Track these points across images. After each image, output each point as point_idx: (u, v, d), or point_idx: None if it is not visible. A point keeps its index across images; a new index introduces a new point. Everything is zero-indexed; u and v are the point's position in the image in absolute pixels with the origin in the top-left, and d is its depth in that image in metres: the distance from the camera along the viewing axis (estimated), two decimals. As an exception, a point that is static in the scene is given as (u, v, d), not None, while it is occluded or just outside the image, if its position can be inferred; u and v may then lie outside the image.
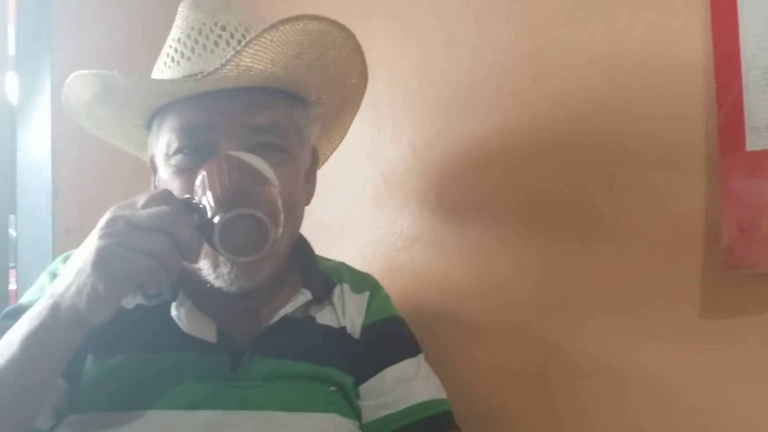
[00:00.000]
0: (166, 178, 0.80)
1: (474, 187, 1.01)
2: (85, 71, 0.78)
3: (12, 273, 1.61)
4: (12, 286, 1.60)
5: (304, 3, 1.27)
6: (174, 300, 0.82)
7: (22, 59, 1.50)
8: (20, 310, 0.81)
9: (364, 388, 0.90)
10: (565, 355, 0.90)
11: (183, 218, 0.66)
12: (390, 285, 1.04)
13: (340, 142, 1.05)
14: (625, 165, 0.84)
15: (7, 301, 1.59)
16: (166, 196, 0.68)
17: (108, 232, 0.63)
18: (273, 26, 0.72)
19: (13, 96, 1.57)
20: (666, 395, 0.80)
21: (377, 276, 1.04)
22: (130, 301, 0.82)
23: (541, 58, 0.92)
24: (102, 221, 0.66)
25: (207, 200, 0.68)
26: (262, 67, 0.75)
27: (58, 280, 0.68)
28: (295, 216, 0.85)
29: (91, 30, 1.41)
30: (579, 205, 0.88)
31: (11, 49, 1.61)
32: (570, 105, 0.89)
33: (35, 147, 1.40)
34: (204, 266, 0.79)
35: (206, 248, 0.76)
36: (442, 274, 1.06)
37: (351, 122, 1.01)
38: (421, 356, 0.95)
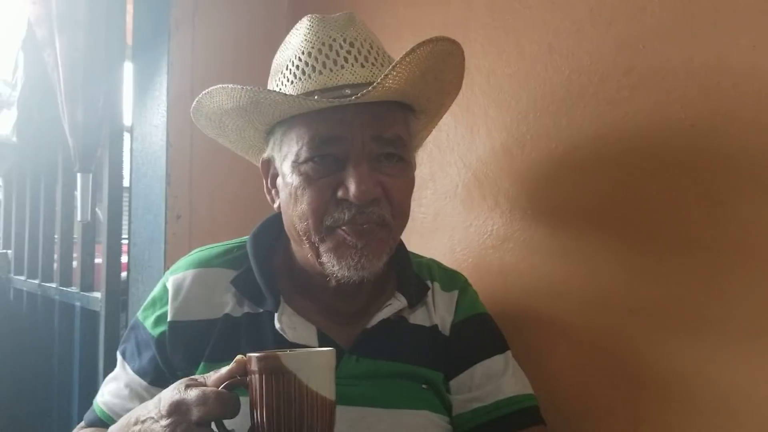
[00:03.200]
0: (296, 184, 0.85)
1: (566, 191, 1.04)
2: (239, 86, 0.83)
3: (98, 248, 1.75)
4: (98, 260, 1.74)
5: (406, 12, 1.34)
6: (276, 310, 0.90)
7: (139, 50, 1.61)
8: (139, 330, 0.96)
9: (455, 383, 0.95)
10: (651, 359, 0.92)
11: None
12: (479, 282, 1.09)
13: (422, 142, 1.09)
14: (720, 178, 0.85)
15: (119, 277, 1.72)
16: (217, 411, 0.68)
17: None
18: (412, 50, 0.78)
19: (129, 86, 1.69)
20: (753, 403, 0.81)
21: (466, 273, 1.09)
22: (238, 310, 0.92)
23: (639, 70, 0.94)
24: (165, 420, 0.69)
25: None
26: (396, 87, 0.81)
27: None
28: (406, 219, 0.92)
29: (205, 24, 1.51)
30: (671, 214, 0.90)
31: (129, 40, 1.73)
32: (667, 117, 0.90)
33: (151, 137, 1.51)
34: (326, 260, 0.85)
35: (332, 243, 0.84)
36: (530, 273, 1.10)
37: (435, 126, 1.06)
38: (508, 353, 1.00)
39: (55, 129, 1.85)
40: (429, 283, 1.00)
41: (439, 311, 0.98)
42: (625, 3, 0.96)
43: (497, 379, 0.95)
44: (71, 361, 2.24)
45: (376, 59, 0.87)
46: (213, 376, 0.71)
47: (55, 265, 2.30)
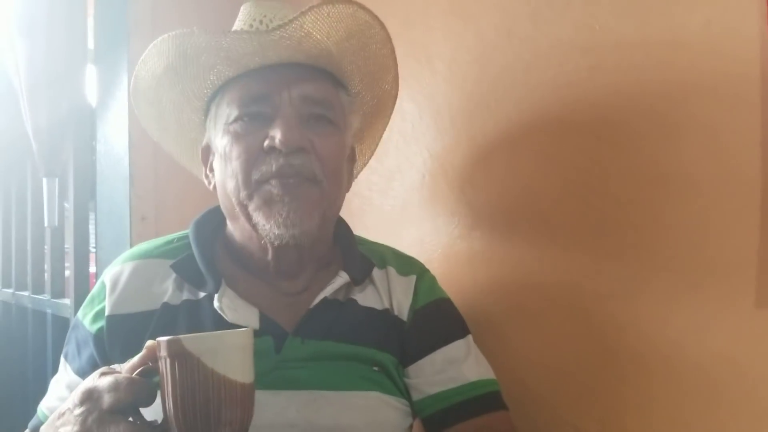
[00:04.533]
0: (225, 143, 0.87)
1: (530, 177, 1.03)
2: (165, 35, 0.84)
3: (92, 257, 1.73)
4: (92, 269, 1.71)
5: (365, 2, 1.32)
6: (216, 292, 0.88)
7: (101, 52, 1.59)
8: (78, 329, 0.93)
9: (415, 368, 0.94)
10: (619, 342, 0.91)
11: None
12: (449, 273, 1.08)
13: (370, 157, 1.11)
14: (682, 158, 0.84)
15: (88, 282, 1.69)
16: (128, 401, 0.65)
17: None
18: (330, 0, 0.81)
19: (92, 89, 1.66)
20: (720, 385, 0.80)
21: (436, 264, 1.08)
22: (177, 297, 0.89)
23: (597, 50, 0.93)
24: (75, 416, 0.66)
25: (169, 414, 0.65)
26: (319, 37, 0.84)
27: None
28: (339, 185, 0.92)
29: (164, 25, 1.47)
30: (636, 195, 0.89)
31: (91, 43, 1.70)
32: (625, 97, 0.90)
33: (114, 139, 1.48)
34: (257, 219, 0.85)
35: (259, 200, 0.84)
36: (498, 261, 1.08)
37: (381, 135, 1.07)
38: (469, 337, 0.99)
39: (22, 133, 1.81)
40: (381, 267, 0.99)
41: (396, 295, 0.96)
42: (580, -17, 0.95)
43: (458, 365, 0.94)
44: (45, 370, 2.20)
45: None
46: (127, 364, 0.68)
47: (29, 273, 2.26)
